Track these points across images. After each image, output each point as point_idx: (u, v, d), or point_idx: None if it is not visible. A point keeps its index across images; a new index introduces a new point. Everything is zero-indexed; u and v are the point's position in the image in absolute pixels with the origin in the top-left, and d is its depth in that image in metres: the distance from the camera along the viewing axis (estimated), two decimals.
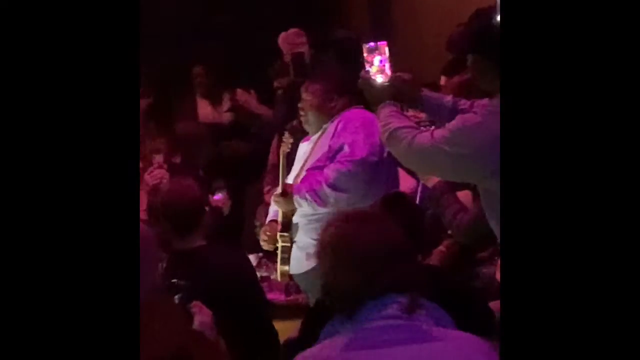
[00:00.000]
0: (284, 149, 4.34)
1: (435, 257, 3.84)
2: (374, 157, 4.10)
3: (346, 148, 4.12)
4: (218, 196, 5.20)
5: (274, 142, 5.38)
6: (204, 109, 6.77)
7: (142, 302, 2.00)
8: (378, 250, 2.03)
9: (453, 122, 2.95)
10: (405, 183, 4.35)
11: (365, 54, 3.26)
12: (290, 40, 5.74)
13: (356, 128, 4.16)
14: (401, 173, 4.28)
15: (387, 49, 3.26)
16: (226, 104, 6.71)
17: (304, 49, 5.67)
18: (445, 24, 5.58)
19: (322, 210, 4.10)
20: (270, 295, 4.16)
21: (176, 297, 2.66)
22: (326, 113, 4.30)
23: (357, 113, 4.22)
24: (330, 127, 4.26)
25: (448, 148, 2.89)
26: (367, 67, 3.27)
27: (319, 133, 4.33)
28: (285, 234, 4.26)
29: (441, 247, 3.88)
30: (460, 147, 2.87)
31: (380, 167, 4.13)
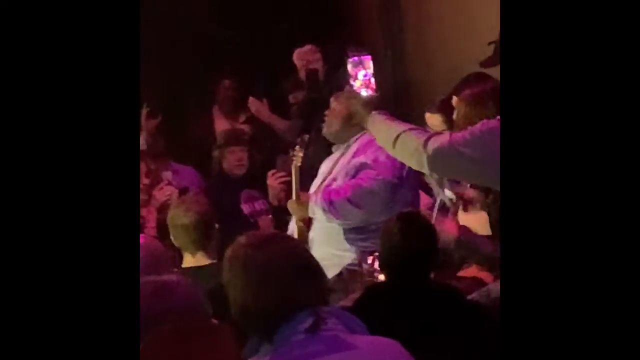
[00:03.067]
0: (296, 162, 4.34)
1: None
2: (395, 179, 4.10)
3: (370, 166, 4.11)
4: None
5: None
6: (221, 124, 6.75)
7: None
8: (287, 270, 2.07)
9: (476, 125, 2.92)
10: (421, 200, 4.33)
11: (349, 68, 3.26)
12: (305, 57, 5.79)
13: (379, 147, 4.14)
14: None
15: (371, 63, 3.27)
16: (242, 117, 6.71)
17: (318, 65, 5.70)
18: (457, 40, 5.57)
19: (338, 222, 4.10)
20: None
21: None
22: (353, 125, 4.28)
23: None
24: (353, 145, 4.26)
25: (467, 150, 2.86)
26: (352, 82, 3.28)
27: (341, 151, 4.32)
28: None
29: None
30: (480, 151, 2.84)
31: (399, 190, 4.12)
